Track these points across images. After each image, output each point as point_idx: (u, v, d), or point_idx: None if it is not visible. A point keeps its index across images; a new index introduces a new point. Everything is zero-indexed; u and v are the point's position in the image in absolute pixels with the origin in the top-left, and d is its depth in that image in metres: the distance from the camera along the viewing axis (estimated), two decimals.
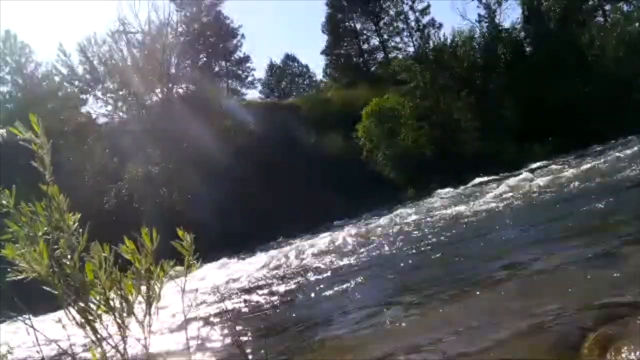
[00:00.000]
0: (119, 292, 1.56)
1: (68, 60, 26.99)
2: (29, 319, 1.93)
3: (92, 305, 1.53)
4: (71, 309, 1.49)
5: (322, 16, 37.78)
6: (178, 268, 1.70)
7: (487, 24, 26.05)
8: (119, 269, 1.57)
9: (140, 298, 1.61)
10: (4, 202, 1.57)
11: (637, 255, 4.23)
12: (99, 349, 1.65)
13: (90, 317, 1.51)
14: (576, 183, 9.39)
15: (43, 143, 1.60)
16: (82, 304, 1.53)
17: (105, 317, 1.65)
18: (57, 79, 28.54)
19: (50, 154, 1.63)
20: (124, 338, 1.58)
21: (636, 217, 5.61)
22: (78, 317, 1.50)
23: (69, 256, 1.50)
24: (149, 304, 1.64)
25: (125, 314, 1.56)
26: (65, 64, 27.20)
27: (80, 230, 1.54)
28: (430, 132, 22.87)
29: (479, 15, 26.36)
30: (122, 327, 1.54)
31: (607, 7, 24.67)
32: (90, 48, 25.95)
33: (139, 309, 1.71)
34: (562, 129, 19.22)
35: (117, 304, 1.54)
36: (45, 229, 1.50)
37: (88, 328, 1.51)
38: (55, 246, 1.50)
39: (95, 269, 1.49)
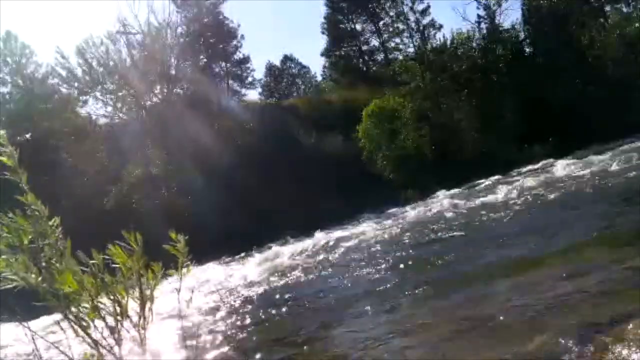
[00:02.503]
0: (110, 297, 1.55)
1: (67, 62, 26.98)
2: (28, 323, 1.92)
3: (83, 311, 1.52)
4: (64, 315, 1.48)
5: (322, 17, 37.68)
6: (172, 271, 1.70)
7: (487, 25, 26.05)
8: (110, 272, 1.56)
9: (132, 300, 1.60)
10: None
11: (634, 258, 4.22)
12: (93, 352, 1.64)
13: (83, 323, 1.49)
14: (574, 184, 9.38)
15: (12, 153, 1.58)
16: (72, 310, 1.52)
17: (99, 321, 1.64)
18: (56, 80, 28.55)
19: (17, 161, 1.59)
20: (117, 341, 1.57)
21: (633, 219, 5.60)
22: (71, 323, 1.49)
23: (56, 264, 1.48)
24: (142, 306, 1.63)
25: (118, 317, 1.55)
26: (64, 66, 27.19)
27: (60, 236, 1.53)
28: (430, 133, 22.85)
29: (479, 16, 26.36)
30: (115, 331, 1.53)
31: (607, 8, 24.65)
32: (89, 49, 25.92)
33: (133, 311, 1.70)
34: (562, 129, 19.19)
35: (110, 308, 1.53)
36: (30, 237, 1.49)
37: (81, 333, 1.50)
38: (42, 253, 1.48)
39: (78, 276, 1.48)
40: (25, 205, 1.54)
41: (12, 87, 29.02)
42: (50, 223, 1.54)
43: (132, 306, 1.68)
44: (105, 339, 1.70)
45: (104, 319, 1.54)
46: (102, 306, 1.58)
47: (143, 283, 1.63)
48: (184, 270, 1.82)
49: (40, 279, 1.46)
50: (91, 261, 1.56)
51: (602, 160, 11.67)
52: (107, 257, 1.59)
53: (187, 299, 2.13)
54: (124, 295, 1.59)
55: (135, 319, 1.72)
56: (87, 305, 1.56)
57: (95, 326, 1.62)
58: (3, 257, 1.46)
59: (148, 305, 1.66)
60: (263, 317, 5.75)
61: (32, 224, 1.49)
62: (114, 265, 1.62)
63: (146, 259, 1.63)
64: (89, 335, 1.61)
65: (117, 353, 1.71)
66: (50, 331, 1.84)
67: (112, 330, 1.59)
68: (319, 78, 42.13)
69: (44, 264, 1.51)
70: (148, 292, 1.64)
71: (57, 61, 27.41)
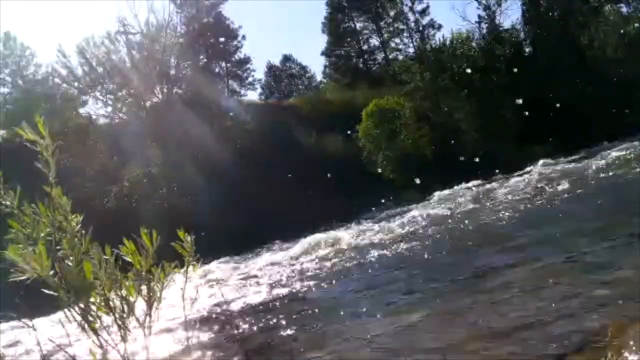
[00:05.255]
0: (119, 293, 1.56)
1: (67, 61, 27.00)
2: (32, 322, 1.93)
3: (92, 307, 1.53)
4: (72, 310, 1.49)
5: (322, 16, 37.67)
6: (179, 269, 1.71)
7: (487, 25, 26.07)
8: (120, 269, 1.57)
9: (140, 299, 1.61)
10: (8, 202, 1.57)
11: (634, 259, 4.24)
12: (99, 350, 1.65)
13: (91, 318, 1.51)
14: (574, 185, 9.40)
15: (48, 145, 1.60)
16: (82, 305, 1.53)
17: (106, 318, 1.65)
18: (57, 80, 28.55)
19: (54, 155, 1.63)
20: (124, 339, 1.58)
21: (632, 217, 5.61)
22: (78, 318, 1.50)
23: (70, 257, 1.50)
24: (149, 305, 1.64)
25: (125, 315, 1.56)
26: (65, 66, 27.21)
27: (83, 231, 1.55)
28: (430, 133, 22.86)
29: (479, 16, 26.39)
30: (122, 328, 1.54)
31: (607, 8, 24.65)
32: (90, 49, 25.93)
33: (140, 309, 1.71)
34: (563, 129, 19.21)
35: (118, 305, 1.54)
36: (48, 230, 1.51)
37: (88, 329, 1.51)
38: (58, 247, 1.50)
39: (95, 269, 1.50)
40: (51, 198, 1.56)
41: (12, 87, 29.04)
42: (71, 217, 1.56)
43: (139, 304, 1.70)
44: (110, 335, 1.71)
45: (113, 314, 1.56)
46: (111, 303, 1.59)
47: (152, 281, 1.64)
48: (190, 269, 1.83)
49: (53, 271, 1.48)
50: (104, 257, 1.58)
51: (600, 160, 11.68)
52: (116, 253, 1.61)
53: (190, 299, 2.15)
54: (133, 292, 1.61)
55: (141, 317, 1.73)
56: (95, 301, 1.57)
57: (101, 322, 1.64)
58: (19, 247, 1.48)
59: (155, 304, 1.67)
60: (264, 316, 5.75)
61: (51, 216, 1.51)
62: (122, 263, 1.63)
63: (155, 257, 1.65)
64: (95, 331, 1.62)
65: (122, 351, 1.73)
66: (55, 329, 1.85)
67: (119, 327, 1.60)
68: (319, 78, 42.14)
69: (59, 255, 1.53)
70: (157, 291, 1.65)
71: (58, 59, 27.46)
